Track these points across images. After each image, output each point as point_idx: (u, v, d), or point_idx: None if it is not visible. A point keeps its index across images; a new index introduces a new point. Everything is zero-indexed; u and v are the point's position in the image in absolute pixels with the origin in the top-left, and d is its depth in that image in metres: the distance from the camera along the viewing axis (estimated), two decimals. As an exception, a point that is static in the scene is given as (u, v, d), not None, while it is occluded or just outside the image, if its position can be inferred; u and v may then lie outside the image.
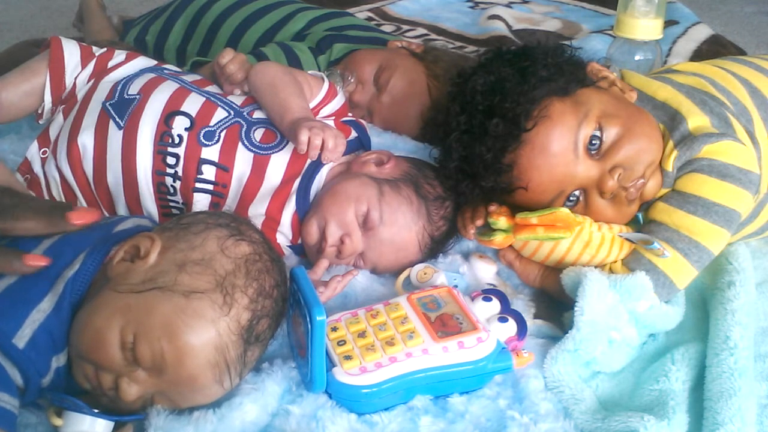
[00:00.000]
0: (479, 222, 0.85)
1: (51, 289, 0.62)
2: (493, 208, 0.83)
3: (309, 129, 0.79)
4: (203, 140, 0.85)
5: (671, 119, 0.80)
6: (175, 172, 0.84)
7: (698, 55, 1.44)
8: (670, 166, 0.78)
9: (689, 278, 0.78)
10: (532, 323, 0.78)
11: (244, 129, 0.86)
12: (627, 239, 0.79)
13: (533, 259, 0.84)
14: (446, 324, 0.71)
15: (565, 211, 0.77)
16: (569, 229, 0.77)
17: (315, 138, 0.79)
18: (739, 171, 0.76)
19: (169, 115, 0.85)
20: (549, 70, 0.78)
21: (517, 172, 0.78)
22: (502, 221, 0.81)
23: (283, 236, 0.87)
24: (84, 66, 0.90)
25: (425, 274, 0.82)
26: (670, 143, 0.79)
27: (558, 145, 0.76)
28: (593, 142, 0.76)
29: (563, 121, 0.76)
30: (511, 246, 0.85)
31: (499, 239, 0.82)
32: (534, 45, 0.84)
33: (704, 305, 0.82)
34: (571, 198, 0.79)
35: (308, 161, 0.87)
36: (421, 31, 1.62)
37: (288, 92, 0.86)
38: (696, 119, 0.78)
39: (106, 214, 0.85)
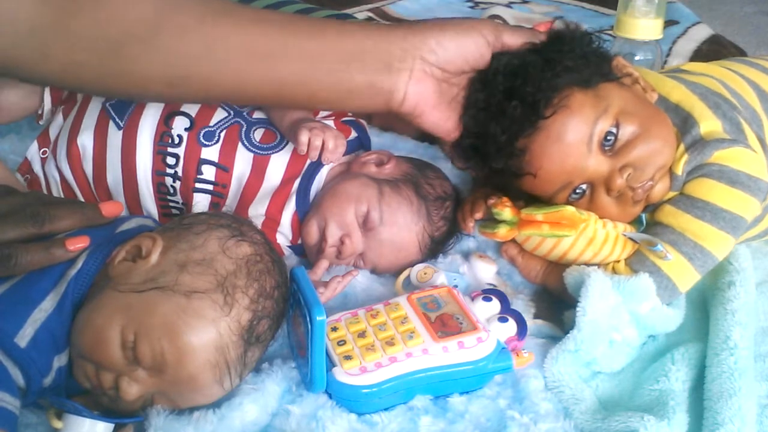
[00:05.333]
0: (479, 215, 0.85)
1: (53, 288, 0.62)
2: (492, 200, 0.82)
3: (309, 130, 0.80)
4: (203, 140, 0.85)
5: (683, 122, 0.79)
6: (175, 172, 0.84)
7: (698, 55, 1.44)
8: (679, 169, 0.78)
9: (692, 282, 0.78)
10: (532, 323, 0.78)
11: (243, 129, 0.87)
12: (631, 239, 0.79)
13: (536, 254, 0.84)
14: (446, 324, 0.71)
15: (570, 209, 0.77)
16: (574, 227, 0.77)
17: (315, 139, 0.79)
18: (749, 178, 0.76)
19: (168, 115, 0.85)
20: (575, 59, 0.77)
21: (528, 157, 0.77)
22: (507, 212, 0.81)
23: (283, 236, 0.87)
24: (84, 66, 0.90)
25: (425, 274, 0.82)
26: (681, 146, 0.78)
27: (573, 135, 0.75)
28: (608, 137, 0.76)
29: (582, 112, 0.75)
30: (513, 241, 0.85)
31: (502, 232, 0.82)
32: (564, 31, 0.81)
33: (704, 305, 0.82)
34: (578, 191, 0.78)
35: (308, 161, 0.87)
36: (421, 31, 1.61)
37: None
38: (708, 123, 0.78)
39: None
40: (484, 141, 0.78)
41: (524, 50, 0.77)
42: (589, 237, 0.78)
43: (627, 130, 0.76)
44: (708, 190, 0.77)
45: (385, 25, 0.78)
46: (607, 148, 0.76)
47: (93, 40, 0.65)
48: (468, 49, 0.76)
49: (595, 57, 0.80)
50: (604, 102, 0.76)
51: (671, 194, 0.80)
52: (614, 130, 0.76)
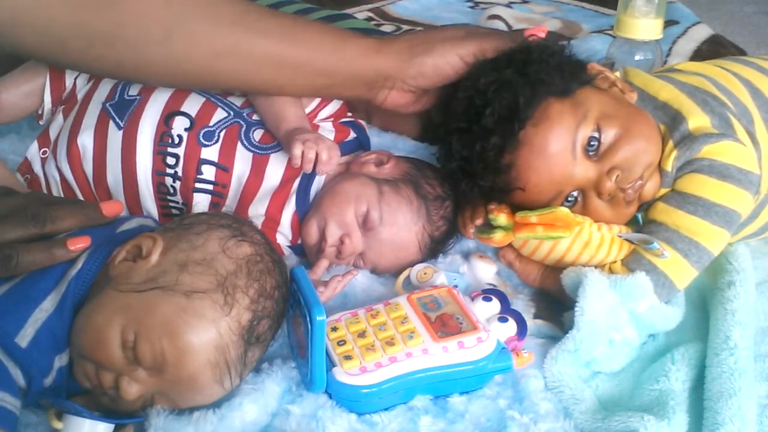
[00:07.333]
0: (479, 221, 0.85)
1: (54, 288, 0.62)
2: (493, 206, 0.83)
3: (303, 142, 0.79)
4: (203, 140, 0.85)
5: (672, 120, 0.80)
6: (175, 172, 0.84)
7: (698, 55, 1.44)
8: (669, 165, 0.78)
9: (689, 279, 0.78)
10: (532, 323, 0.78)
11: (243, 129, 0.87)
12: (626, 239, 0.79)
13: (533, 259, 0.84)
14: (446, 324, 0.71)
15: (564, 210, 0.77)
16: (569, 229, 0.77)
17: (309, 151, 0.79)
18: (739, 171, 0.76)
19: (168, 116, 0.85)
20: (549, 71, 0.78)
21: (515, 172, 0.78)
22: (502, 218, 0.81)
23: (283, 236, 0.87)
24: (84, 66, 0.90)
25: (425, 274, 0.82)
26: (670, 143, 0.79)
27: (556, 146, 0.76)
28: (591, 143, 0.77)
29: (561, 122, 0.76)
30: (510, 245, 0.85)
31: (498, 237, 0.82)
32: (535, 45, 0.83)
33: (704, 305, 0.82)
34: (569, 199, 0.79)
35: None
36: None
37: (283, 100, 0.86)
38: (696, 119, 0.78)
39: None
40: (470, 161, 0.79)
41: (499, 68, 0.80)
42: (584, 241, 0.79)
43: (609, 133, 0.77)
44: (699, 185, 0.77)
45: (377, 43, 0.86)
46: (591, 153, 0.77)
47: (110, 39, 0.73)
48: (444, 71, 0.85)
49: (568, 65, 0.80)
50: (582, 108, 0.77)
51: (663, 191, 0.80)
52: (596, 135, 0.76)
